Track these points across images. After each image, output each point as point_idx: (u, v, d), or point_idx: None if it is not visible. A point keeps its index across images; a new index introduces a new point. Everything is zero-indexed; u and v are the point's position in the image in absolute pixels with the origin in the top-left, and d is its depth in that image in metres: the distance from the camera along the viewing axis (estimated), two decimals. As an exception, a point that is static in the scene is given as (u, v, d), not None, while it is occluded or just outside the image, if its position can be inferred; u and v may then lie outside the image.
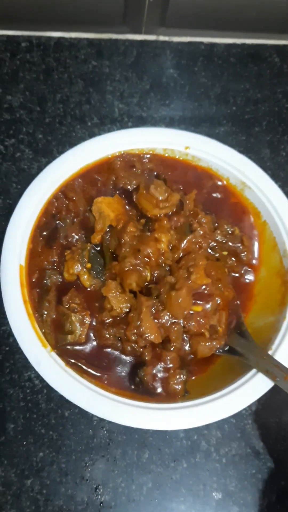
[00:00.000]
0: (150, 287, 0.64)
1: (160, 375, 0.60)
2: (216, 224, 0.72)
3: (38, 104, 0.86)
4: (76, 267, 0.65)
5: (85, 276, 0.65)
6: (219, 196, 0.75)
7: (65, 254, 0.67)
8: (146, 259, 0.64)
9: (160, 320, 0.60)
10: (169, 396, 0.60)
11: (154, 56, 0.93)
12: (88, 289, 0.66)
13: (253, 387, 0.59)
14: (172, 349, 0.61)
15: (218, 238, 0.70)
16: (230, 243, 0.70)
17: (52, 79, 0.89)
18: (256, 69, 0.95)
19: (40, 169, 0.73)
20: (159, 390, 0.60)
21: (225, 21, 0.95)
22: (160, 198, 0.68)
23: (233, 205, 0.75)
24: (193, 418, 0.57)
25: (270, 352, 0.61)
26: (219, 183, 0.75)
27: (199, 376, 0.64)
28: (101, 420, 0.64)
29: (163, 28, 0.95)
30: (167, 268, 0.65)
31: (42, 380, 0.66)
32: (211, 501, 0.62)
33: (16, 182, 0.79)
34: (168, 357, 0.61)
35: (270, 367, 0.58)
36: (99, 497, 0.61)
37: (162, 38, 0.95)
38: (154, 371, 0.60)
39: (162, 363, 0.61)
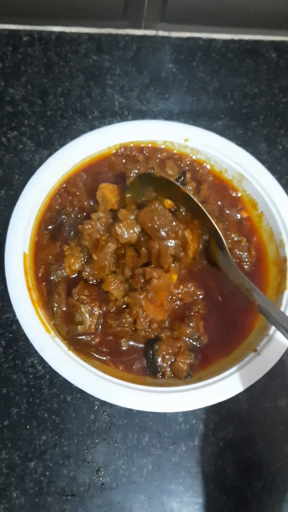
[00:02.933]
0: (130, 282, 0.66)
1: (171, 351, 0.63)
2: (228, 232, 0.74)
3: (40, 97, 0.88)
4: (77, 263, 0.67)
5: (87, 272, 0.67)
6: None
7: (64, 250, 0.68)
8: None
9: (158, 301, 0.63)
10: (173, 376, 0.63)
11: (154, 51, 0.95)
12: (91, 282, 0.67)
13: (250, 372, 0.61)
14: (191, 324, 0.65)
15: None
16: (236, 250, 0.72)
17: (53, 73, 0.90)
18: (253, 65, 0.96)
19: (42, 161, 0.74)
20: (166, 367, 0.63)
21: (223, 17, 0.96)
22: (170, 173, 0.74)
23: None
24: (192, 401, 0.59)
25: (266, 338, 0.63)
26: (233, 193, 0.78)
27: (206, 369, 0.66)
28: (102, 404, 0.66)
29: (163, 23, 0.96)
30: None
31: (44, 366, 0.67)
32: (209, 483, 0.64)
33: (19, 174, 0.80)
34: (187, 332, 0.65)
35: (242, 287, 0.62)
36: (101, 478, 0.63)
37: (161, 33, 0.97)
38: (168, 348, 0.63)
39: (177, 343, 0.64)
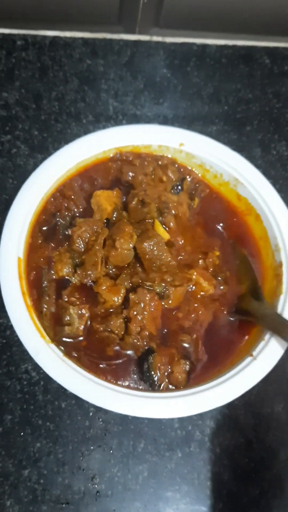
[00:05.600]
0: (144, 283, 0.66)
1: (165, 361, 0.63)
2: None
3: (34, 101, 0.87)
4: (65, 269, 0.66)
5: (75, 278, 0.66)
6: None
7: (53, 255, 0.68)
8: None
9: (155, 312, 0.63)
10: (172, 386, 0.62)
11: (148, 56, 0.95)
12: (85, 282, 0.67)
13: (246, 377, 0.60)
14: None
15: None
16: None
17: (47, 77, 0.90)
18: (247, 70, 0.97)
19: (36, 165, 0.74)
20: (164, 379, 0.62)
21: (217, 23, 0.97)
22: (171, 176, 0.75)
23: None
24: (188, 407, 0.59)
25: (262, 343, 0.63)
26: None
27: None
28: (97, 411, 0.65)
29: (157, 28, 0.97)
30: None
31: (39, 372, 0.67)
32: (205, 489, 0.63)
33: (13, 178, 0.80)
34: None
35: (279, 325, 0.61)
36: (96, 486, 0.62)
37: (155, 38, 0.97)
38: (162, 359, 0.62)
39: (169, 350, 0.64)
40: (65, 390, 0.59)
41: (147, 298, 0.63)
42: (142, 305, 0.63)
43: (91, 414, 0.66)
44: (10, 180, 0.80)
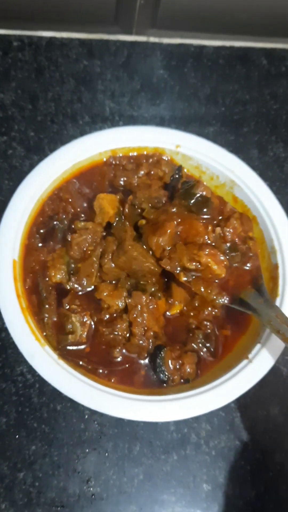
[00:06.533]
0: (143, 284, 0.66)
1: (175, 356, 0.63)
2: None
3: (30, 102, 0.87)
4: (58, 274, 0.66)
5: (71, 284, 0.66)
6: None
7: (47, 260, 0.68)
8: None
9: (156, 312, 0.63)
10: (183, 380, 0.63)
11: (145, 57, 0.95)
12: (80, 293, 0.67)
13: (242, 380, 0.60)
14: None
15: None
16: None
17: (43, 78, 0.90)
18: (244, 71, 0.97)
19: (32, 167, 0.74)
20: (176, 372, 0.62)
21: (215, 24, 0.97)
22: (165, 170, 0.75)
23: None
24: (183, 410, 0.59)
25: (258, 346, 0.63)
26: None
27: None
28: (93, 413, 0.65)
29: (154, 29, 0.96)
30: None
31: (34, 375, 0.66)
32: (201, 492, 0.63)
33: (8, 179, 0.80)
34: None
35: (282, 328, 0.57)
36: (91, 489, 0.62)
37: (152, 39, 0.97)
38: (171, 353, 0.63)
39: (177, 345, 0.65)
40: (61, 392, 0.59)
41: (143, 300, 0.63)
42: (140, 307, 0.63)
43: (86, 416, 0.65)
44: (6, 182, 0.79)
